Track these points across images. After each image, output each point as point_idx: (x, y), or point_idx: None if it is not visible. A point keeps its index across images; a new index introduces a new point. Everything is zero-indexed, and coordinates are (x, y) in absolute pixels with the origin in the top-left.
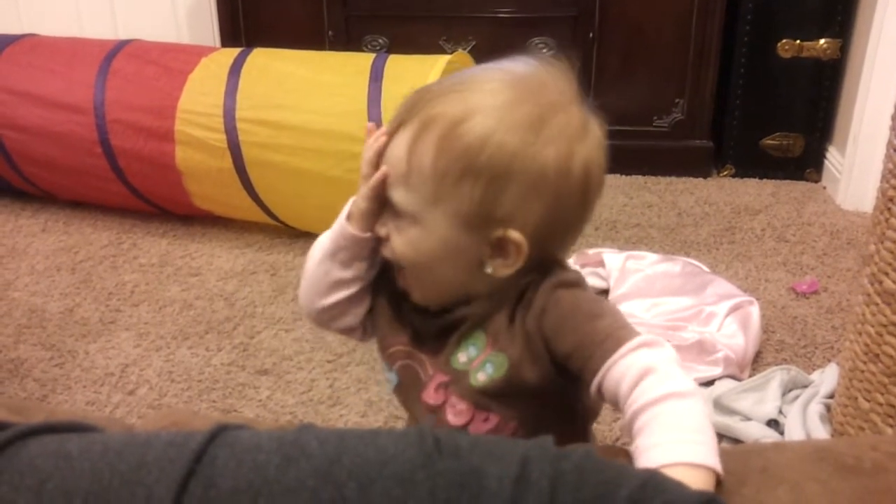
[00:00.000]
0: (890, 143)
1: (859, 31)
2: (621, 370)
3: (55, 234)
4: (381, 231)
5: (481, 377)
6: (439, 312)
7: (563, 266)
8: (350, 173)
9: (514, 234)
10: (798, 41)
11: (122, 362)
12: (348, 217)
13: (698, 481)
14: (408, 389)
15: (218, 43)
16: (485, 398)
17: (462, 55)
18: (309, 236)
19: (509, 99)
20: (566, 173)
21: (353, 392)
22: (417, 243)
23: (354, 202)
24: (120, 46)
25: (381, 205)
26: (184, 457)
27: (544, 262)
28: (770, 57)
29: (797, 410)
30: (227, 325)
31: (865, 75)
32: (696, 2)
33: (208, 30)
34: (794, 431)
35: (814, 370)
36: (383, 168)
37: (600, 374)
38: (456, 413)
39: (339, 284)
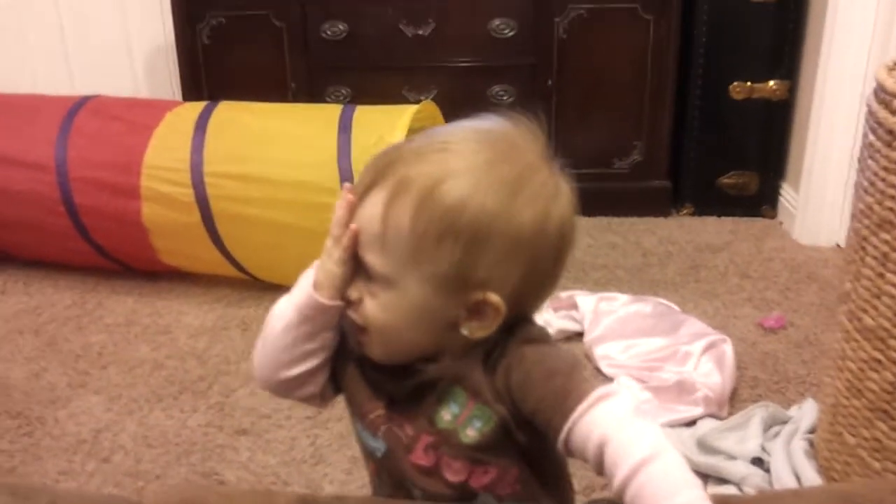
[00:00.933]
0: (858, 182)
1: (806, 73)
2: (583, 431)
3: (15, 296)
4: (353, 294)
5: (471, 433)
6: (409, 373)
7: (529, 321)
8: (324, 224)
9: (494, 298)
10: (749, 83)
11: (94, 428)
12: (316, 285)
13: None
14: (395, 454)
15: (178, 96)
16: (479, 453)
17: (429, 104)
18: (279, 289)
19: (486, 160)
20: (543, 234)
21: (335, 449)
22: (391, 307)
23: (322, 268)
24: (82, 102)
25: (353, 269)
26: None
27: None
28: (723, 99)
29: (780, 447)
30: (202, 385)
31: (815, 114)
32: (650, 48)
33: (167, 83)
34: (781, 469)
35: (789, 405)
36: (352, 226)
37: (563, 433)
38: (454, 472)
39: (305, 356)
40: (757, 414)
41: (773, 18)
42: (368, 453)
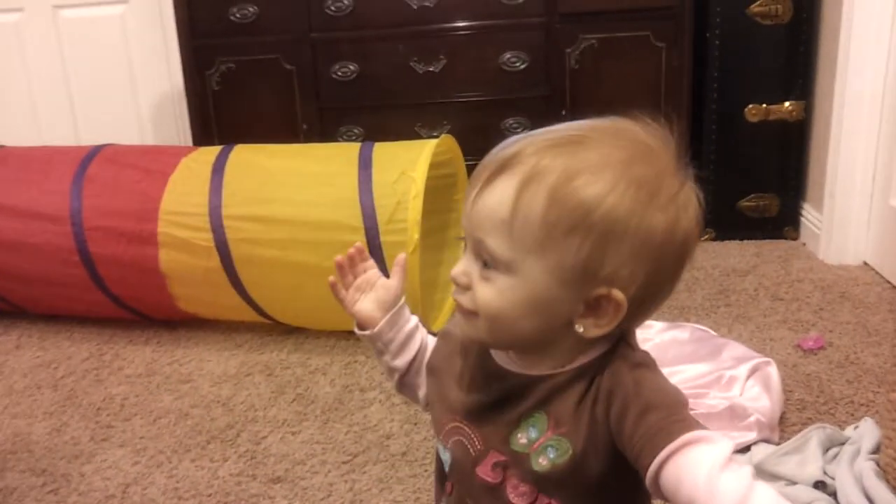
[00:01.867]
0: None
1: (821, 91)
2: (672, 476)
3: (31, 350)
4: (462, 280)
5: (543, 461)
6: (497, 384)
7: (631, 345)
8: None
9: (618, 294)
10: (764, 105)
11: (122, 482)
12: (358, 326)
13: None
14: (461, 465)
15: (187, 143)
16: (548, 483)
17: (447, 138)
18: (300, 332)
19: (624, 158)
20: (670, 241)
21: (375, 493)
22: (508, 293)
23: (357, 309)
24: (95, 152)
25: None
26: None
27: (617, 339)
28: (739, 122)
29: (845, 469)
30: (230, 433)
31: (834, 133)
32: (663, 76)
33: (173, 131)
34: (850, 492)
35: (840, 426)
36: (350, 250)
37: (649, 473)
38: (518, 494)
39: (389, 370)
40: (814, 436)
41: (786, 39)
42: (441, 468)
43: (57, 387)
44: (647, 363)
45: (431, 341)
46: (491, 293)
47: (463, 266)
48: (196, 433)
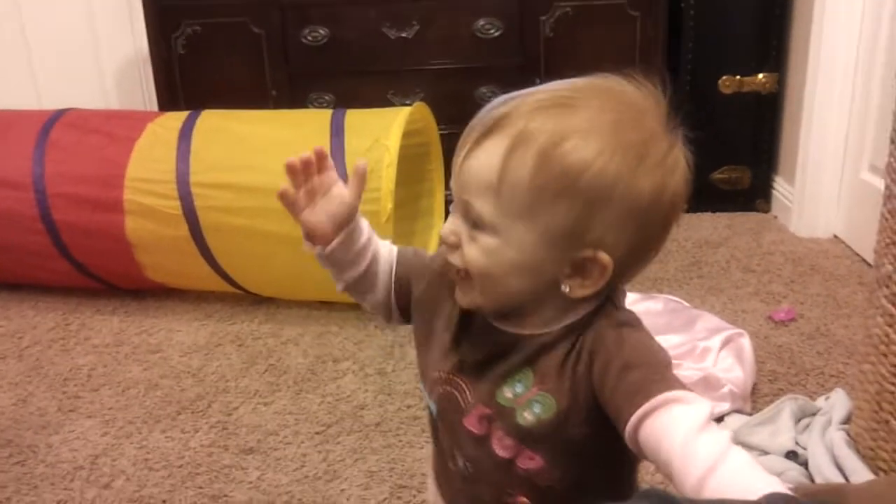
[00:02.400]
0: (889, 166)
1: (795, 64)
2: (651, 436)
3: None
4: (451, 238)
5: (528, 416)
6: (487, 340)
7: (616, 305)
8: None
9: (604, 257)
10: (738, 77)
11: (91, 453)
12: (307, 238)
13: None
14: (449, 416)
15: (152, 109)
16: (531, 438)
17: (421, 106)
18: (272, 302)
19: (612, 121)
20: (657, 204)
21: (349, 464)
22: (495, 254)
23: (305, 218)
24: (56, 116)
25: (312, 197)
26: None
27: (604, 299)
28: (712, 93)
29: (817, 440)
30: (200, 404)
31: (807, 105)
32: (637, 45)
33: (138, 96)
34: (821, 462)
35: (811, 397)
36: (306, 153)
37: (627, 431)
38: (503, 447)
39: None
40: (786, 407)
41: (760, 11)
42: (430, 411)
43: (22, 357)
44: (630, 322)
45: (385, 249)
46: (479, 253)
47: (451, 225)
48: (166, 404)
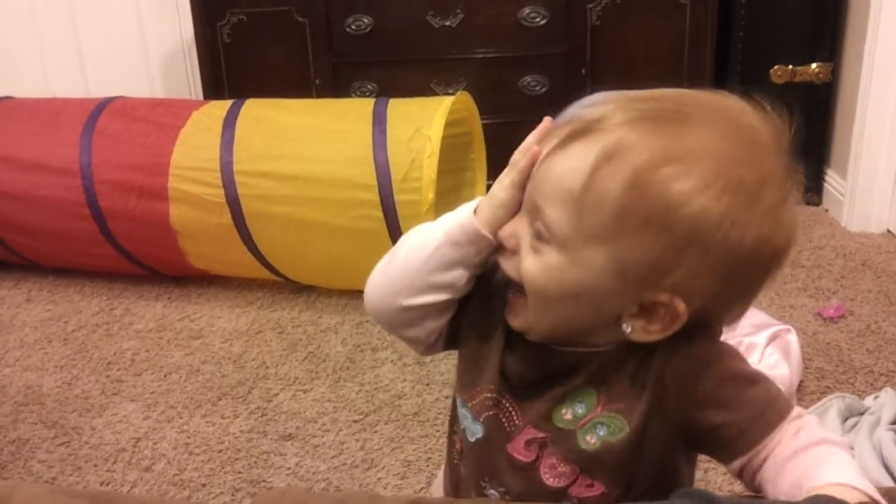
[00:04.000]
0: None
1: (849, 54)
2: (796, 466)
3: (41, 304)
4: (511, 242)
5: (591, 440)
6: (544, 360)
7: (710, 337)
8: (356, 221)
9: (680, 305)
10: (790, 66)
11: (133, 436)
12: (476, 210)
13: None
14: (491, 442)
15: (197, 97)
16: (594, 463)
17: (464, 95)
18: (312, 290)
19: (729, 152)
20: (756, 256)
21: (387, 453)
22: (557, 273)
23: (488, 196)
24: (104, 104)
25: (517, 207)
26: None
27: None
28: (763, 83)
29: (864, 439)
30: (241, 390)
31: (862, 96)
32: (687, 33)
33: (184, 84)
34: (869, 462)
35: (860, 396)
36: (535, 147)
37: (760, 446)
38: (555, 475)
39: (433, 288)
40: (834, 405)
41: None
42: (461, 434)
43: (67, 340)
44: (732, 354)
45: None
46: (537, 267)
47: (513, 227)
48: (207, 389)
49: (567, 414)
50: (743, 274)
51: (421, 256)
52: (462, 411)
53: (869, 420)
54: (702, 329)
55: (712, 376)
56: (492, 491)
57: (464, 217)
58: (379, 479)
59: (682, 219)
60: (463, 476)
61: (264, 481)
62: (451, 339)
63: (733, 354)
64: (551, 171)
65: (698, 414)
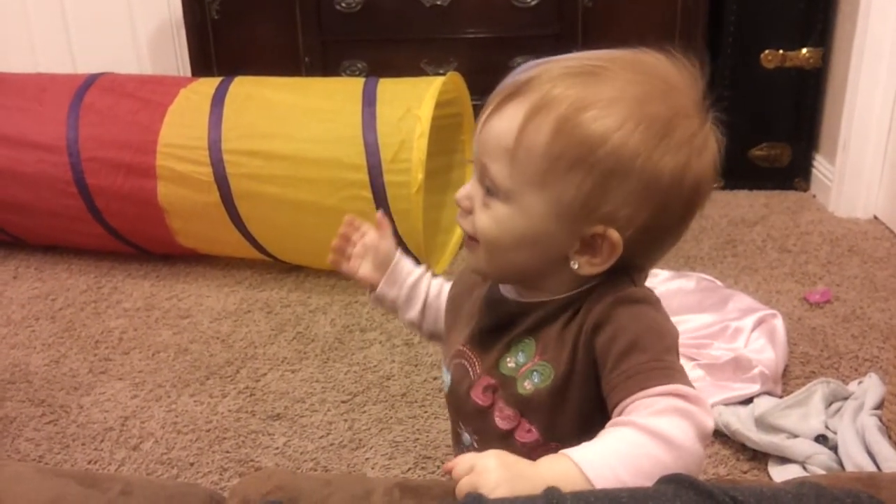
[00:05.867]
0: None
1: (840, 39)
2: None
3: (28, 282)
4: (465, 203)
5: (528, 385)
6: (496, 309)
7: (634, 282)
8: (345, 202)
9: (614, 234)
10: (781, 51)
11: (121, 415)
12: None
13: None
14: (459, 388)
15: (185, 74)
16: (529, 407)
17: (454, 76)
18: (301, 270)
19: (639, 93)
20: (678, 184)
21: (374, 433)
22: (505, 222)
23: (361, 275)
24: (91, 80)
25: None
26: None
27: (618, 273)
28: (754, 68)
29: (848, 424)
30: (229, 369)
31: (851, 82)
32: (678, 16)
33: (172, 61)
34: (852, 447)
35: (843, 381)
36: (346, 217)
37: (617, 409)
38: (503, 417)
39: (408, 323)
40: (818, 390)
41: None
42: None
43: (55, 318)
44: (648, 299)
45: (440, 286)
46: (489, 220)
47: (467, 189)
48: (195, 368)
49: (511, 362)
50: (668, 201)
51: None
52: (443, 368)
53: (853, 405)
54: (623, 280)
55: (608, 331)
56: (466, 435)
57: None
58: (367, 459)
59: (603, 155)
60: (452, 423)
61: (252, 461)
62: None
63: (636, 313)
64: (491, 132)
65: (597, 364)
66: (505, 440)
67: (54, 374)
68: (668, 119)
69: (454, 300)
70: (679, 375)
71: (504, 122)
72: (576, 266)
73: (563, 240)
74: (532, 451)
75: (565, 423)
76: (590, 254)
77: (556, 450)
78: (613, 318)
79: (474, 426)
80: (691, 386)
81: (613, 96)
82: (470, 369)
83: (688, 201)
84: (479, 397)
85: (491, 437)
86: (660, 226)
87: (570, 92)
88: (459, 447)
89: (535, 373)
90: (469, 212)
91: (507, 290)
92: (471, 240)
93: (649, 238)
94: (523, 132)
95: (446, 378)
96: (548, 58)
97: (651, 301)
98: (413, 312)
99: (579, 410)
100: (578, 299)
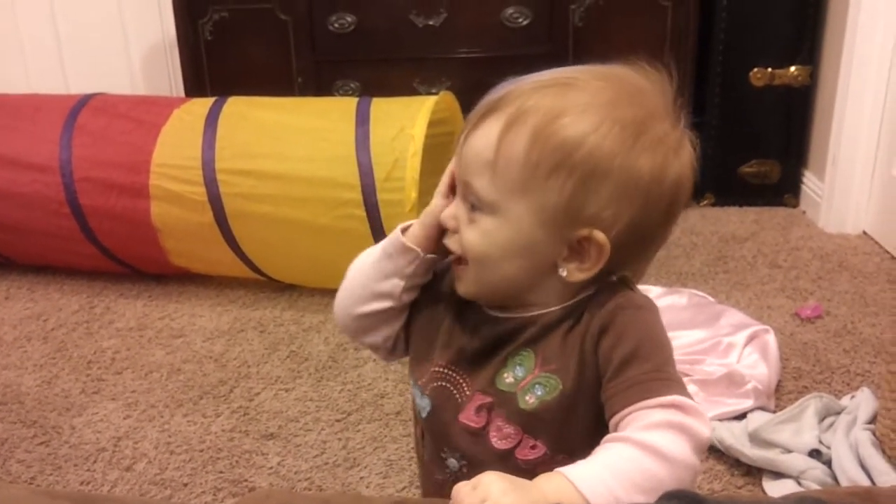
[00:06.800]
0: None
1: (828, 57)
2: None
3: (20, 302)
4: (451, 223)
5: (530, 399)
6: (488, 330)
7: (631, 288)
8: (339, 221)
9: (599, 235)
10: (769, 69)
11: (114, 436)
12: (404, 229)
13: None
14: (442, 413)
15: (178, 94)
16: (534, 422)
17: (447, 95)
18: (294, 289)
19: (610, 99)
20: (658, 184)
21: (368, 452)
22: (492, 234)
23: (425, 213)
24: (84, 101)
25: (443, 208)
26: None
27: (612, 280)
28: (743, 86)
29: (841, 439)
30: (222, 389)
31: (840, 99)
32: (668, 35)
33: (165, 81)
34: (846, 462)
35: (836, 395)
36: (450, 167)
37: (615, 419)
38: (502, 437)
39: (376, 296)
40: (811, 405)
41: (794, 2)
42: (418, 416)
43: (47, 339)
44: (648, 306)
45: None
46: (476, 235)
47: (452, 209)
48: (188, 388)
49: (508, 377)
50: (650, 201)
51: (364, 269)
52: (414, 391)
53: (846, 419)
54: (621, 287)
55: (613, 338)
56: (451, 460)
57: (394, 232)
58: (361, 478)
59: (581, 158)
60: (426, 458)
61: (246, 481)
62: (409, 344)
63: (638, 320)
64: (471, 149)
65: (600, 367)
66: (503, 460)
67: (46, 395)
68: (641, 120)
69: (426, 324)
70: (678, 387)
71: (482, 138)
72: (564, 273)
73: (550, 247)
74: (536, 468)
75: (576, 434)
76: (578, 259)
77: (562, 463)
78: (616, 323)
79: (463, 450)
80: (689, 397)
81: (586, 102)
82: (456, 391)
83: (669, 200)
84: (470, 419)
85: (485, 460)
86: (644, 225)
87: (543, 102)
88: (442, 474)
89: (537, 385)
90: (455, 231)
91: (494, 311)
92: (458, 263)
93: (635, 240)
94: (502, 143)
95: (422, 403)
96: (518, 77)
97: (651, 308)
98: (409, 297)
99: (590, 418)
100: (578, 308)
